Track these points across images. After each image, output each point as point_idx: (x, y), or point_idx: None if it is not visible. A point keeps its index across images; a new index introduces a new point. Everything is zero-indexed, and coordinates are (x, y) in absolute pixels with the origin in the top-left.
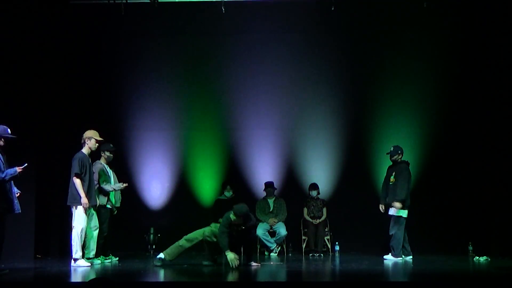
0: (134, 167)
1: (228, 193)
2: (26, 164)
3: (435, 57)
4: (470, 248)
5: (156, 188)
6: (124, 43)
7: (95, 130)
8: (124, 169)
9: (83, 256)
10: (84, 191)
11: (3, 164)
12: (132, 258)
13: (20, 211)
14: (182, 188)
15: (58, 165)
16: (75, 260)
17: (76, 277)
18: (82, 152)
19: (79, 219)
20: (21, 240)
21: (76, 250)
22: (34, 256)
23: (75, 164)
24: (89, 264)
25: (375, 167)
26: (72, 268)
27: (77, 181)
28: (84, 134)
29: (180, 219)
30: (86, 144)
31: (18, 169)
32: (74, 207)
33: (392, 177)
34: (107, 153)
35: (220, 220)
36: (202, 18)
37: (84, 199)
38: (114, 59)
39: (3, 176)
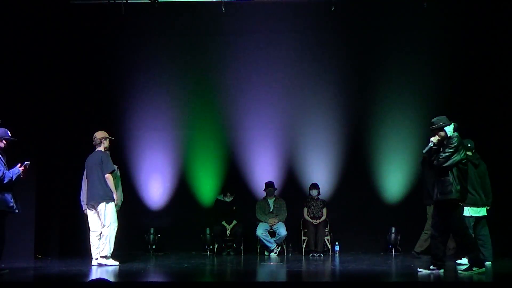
0: (134, 167)
1: (228, 199)
2: (28, 162)
3: (435, 57)
4: None
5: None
6: (124, 43)
7: (93, 129)
8: (124, 169)
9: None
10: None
11: (3, 165)
12: (132, 258)
13: (20, 211)
14: (182, 188)
15: (58, 165)
16: (107, 257)
17: (76, 277)
18: (103, 151)
19: (112, 216)
20: (21, 240)
21: (110, 248)
22: (34, 256)
23: (110, 162)
24: (117, 263)
25: (375, 167)
26: (92, 267)
27: (111, 179)
28: (96, 135)
29: (180, 219)
30: (102, 144)
31: (20, 168)
32: (106, 204)
33: None
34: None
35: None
36: (202, 18)
37: (116, 196)
38: (114, 59)
39: (11, 176)
